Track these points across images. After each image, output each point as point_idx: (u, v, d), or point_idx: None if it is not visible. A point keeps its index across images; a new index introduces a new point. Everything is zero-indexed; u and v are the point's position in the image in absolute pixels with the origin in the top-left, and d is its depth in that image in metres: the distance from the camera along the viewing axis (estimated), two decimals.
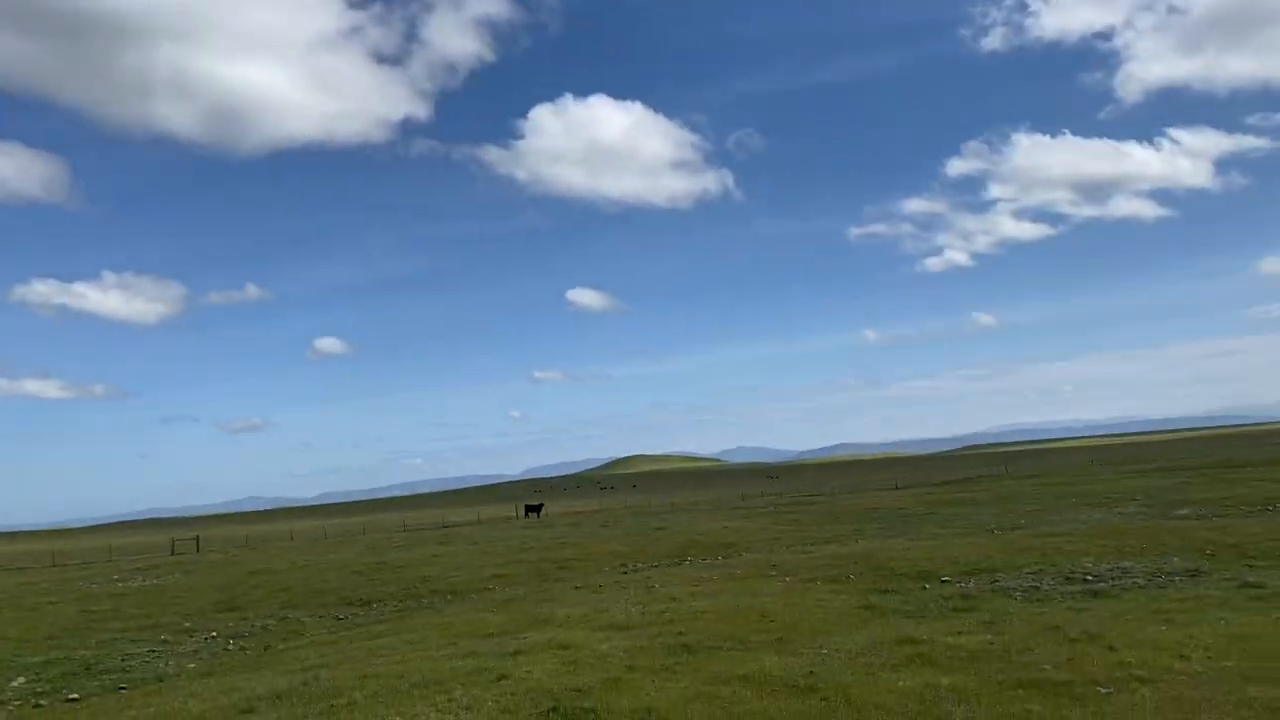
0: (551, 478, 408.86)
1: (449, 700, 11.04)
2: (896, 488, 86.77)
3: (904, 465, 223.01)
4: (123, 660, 21.10)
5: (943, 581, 20.06)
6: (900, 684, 10.83)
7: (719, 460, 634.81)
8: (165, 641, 23.48)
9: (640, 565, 31.81)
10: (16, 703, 16.82)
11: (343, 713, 10.80)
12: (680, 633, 15.08)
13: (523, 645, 14.67)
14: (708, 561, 30.76)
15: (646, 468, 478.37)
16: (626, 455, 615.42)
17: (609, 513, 75.07)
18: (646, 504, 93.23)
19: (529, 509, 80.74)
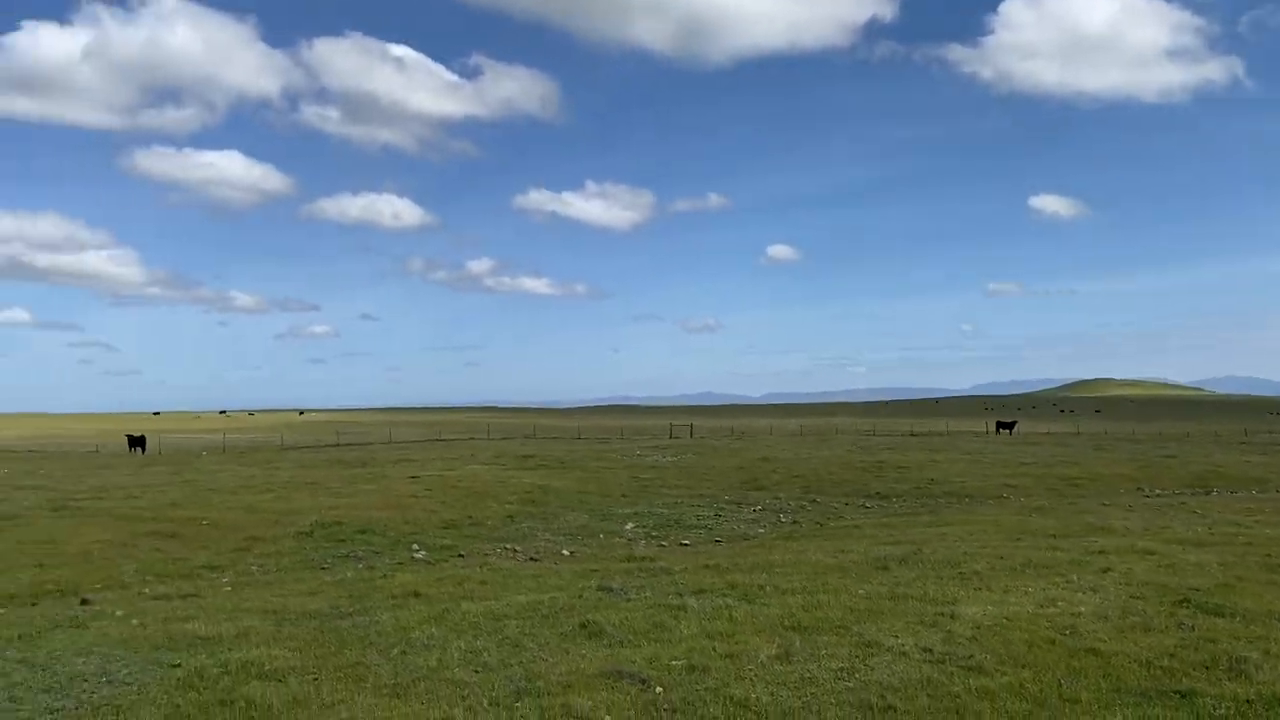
0: (1003, 396, 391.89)
1: (1067, 581, 12.39)
2: None
3: None
4: (697, 519, 25.16)
5: None
6: None
7: (1200, 390, 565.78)
8: (721, 509, 27.43)
9: (1159, 490, 30.82)
10: (643, 541, 21.05)
11: (973, 579, 12.59)
12: (1268, 555, 15.06)
13: (1101, 547, 15.57)
14: (1240, 494, 29.04)
15: (1112, 392, 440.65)
16: (1089, 378, 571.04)
17: (1094, 436, 71.47)
18: (1126, 431, 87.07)
19: (1000, 425, 79.38)
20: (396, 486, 30.27)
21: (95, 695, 8.67)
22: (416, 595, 13.09)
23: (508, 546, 19.77)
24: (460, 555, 18.55)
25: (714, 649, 9.19)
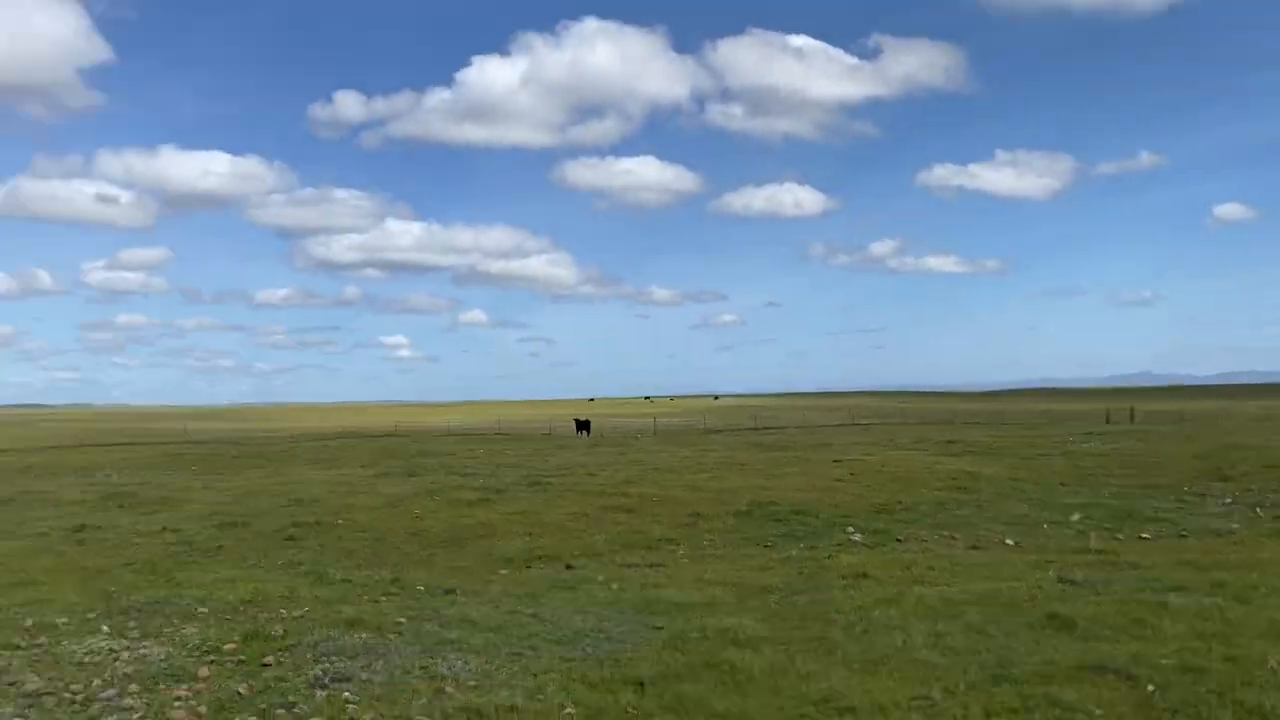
0: None
1: None
2: None
3: None
4: (1154, 511, 22.94)
5: None
6: None
7: None
8: (1182, 501, 24.79)
9: None
10: (1093, 533, 19.67)
11: None
12: None
13: None
14: None
15: None
16: None
17: None
18: None
19: None
20: (819, 470, 30.89)
21: (597, 649, 9.90)
22: (865, 576, 13.37)
23: (944, 533, 19.42)
24: (897, 540, 18.56)
25: (1210, 650, 8.48)
